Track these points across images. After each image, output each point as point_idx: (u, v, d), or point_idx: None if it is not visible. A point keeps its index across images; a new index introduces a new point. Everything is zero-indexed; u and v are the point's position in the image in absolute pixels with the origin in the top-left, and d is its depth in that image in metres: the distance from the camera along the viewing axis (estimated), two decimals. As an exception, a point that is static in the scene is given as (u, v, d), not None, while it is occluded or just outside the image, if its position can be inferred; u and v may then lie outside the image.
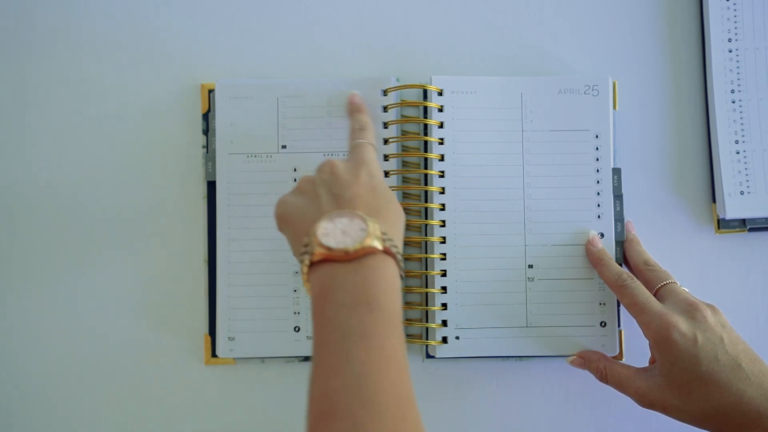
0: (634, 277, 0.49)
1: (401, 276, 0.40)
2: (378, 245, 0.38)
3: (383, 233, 0.39)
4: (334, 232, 0.38)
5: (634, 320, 0.48)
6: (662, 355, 0.45)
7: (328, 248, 0.38)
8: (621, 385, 0.48)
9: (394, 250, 0.39)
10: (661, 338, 0.45)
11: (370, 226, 0.38)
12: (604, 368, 0.49)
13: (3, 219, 0.56)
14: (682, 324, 0.45)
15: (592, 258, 0.52)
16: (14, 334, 0.55)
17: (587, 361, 0.51)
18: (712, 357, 0.44)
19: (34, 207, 0.56)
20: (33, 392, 0.55)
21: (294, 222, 0.42)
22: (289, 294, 0.53)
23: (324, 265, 0.38)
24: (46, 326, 0.55)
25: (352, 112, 0.51)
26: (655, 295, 0.48)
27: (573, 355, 0.52)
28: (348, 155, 0.46)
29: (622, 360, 0.53)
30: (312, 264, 0.39)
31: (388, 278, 0.38)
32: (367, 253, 0.38)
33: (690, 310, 0.46)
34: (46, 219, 0.56)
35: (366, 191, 0.42)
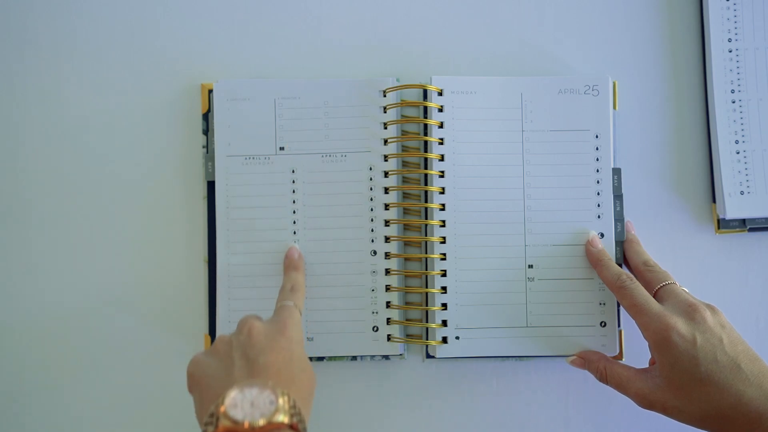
0: (634, 278, 0.49)
1: None
2: (285, 420, 0.37)
3: (292, 407, 0.38)
4: (243, 404, 0.37)
5: (634, 321, 0.48)
6: (661, 356, 0.45)
7: (234, 421, 0.37)
8: (621, 386, 0.48)
9: (300, 426, 0.38)
10: (660, 339, 0.45)
11: (279, 401, 0.38)
12: (604, 369, 0.49)
13: (3, 219, 0.56)
14: (681, 325, 0.45)
15: (592, 259, 0.52)
16: (13, 333, 0.55)
17: (587, 361, 0.51)
18: (711, 358, 0.44)
19: (34, 206, 0.56)
20: (33, 392, 0.55)
21: (203, 385, 0.41)
22: (289, 295, 0.53)
23: None
24: (46, 326, 0.55)
25: (287, 268, 0.51)
26: (654, 296, 0.48)
27: (573, 355, 0.52)
28: (272, 316, 0.46)
29: (622, 360, 0.53)
30: None
31: None
32: (274, 428, 0.37)
33: (689, 311, 0.46)
34: (46, 218, 0.56)
35: (281, 358, 0.41)
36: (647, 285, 0.49)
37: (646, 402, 0.46)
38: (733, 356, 0.44)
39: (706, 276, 0.55)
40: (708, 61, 0.55)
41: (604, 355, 0.51)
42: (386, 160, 0.53)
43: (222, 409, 0.37)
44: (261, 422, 0.37)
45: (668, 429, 0.54)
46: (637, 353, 0.54)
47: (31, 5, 0.57)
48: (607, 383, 0.49)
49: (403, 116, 0.55)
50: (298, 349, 0.43)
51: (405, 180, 0.55)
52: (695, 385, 0.44)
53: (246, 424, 0.37)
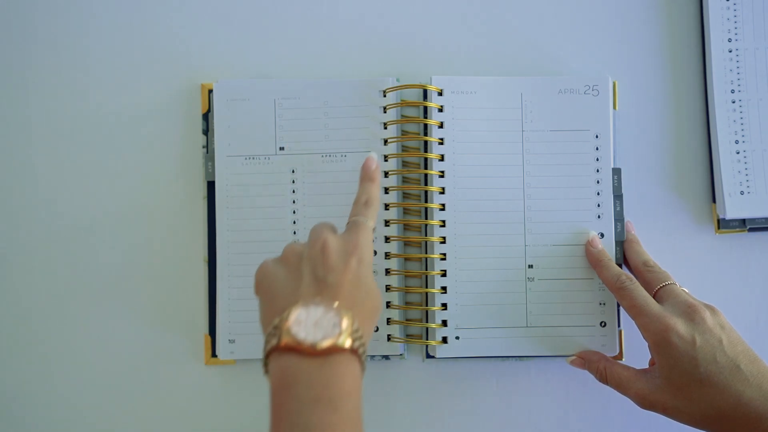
0: (633, 279, 0.49)
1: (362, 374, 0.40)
2: (347, 344, 0.37)
3: (354, 330, 0.38)
4: (306, 322, 0.37)
5: (633, 322, 0.48)
6: (661, 357, 0.45)
7: (297, 340, 0.37)
8: (621, 387, 0.48)
9: (360, 350, 0.38)
10: (659, 340, 0.45)
11: (343, 323, 0.38)
12: (604, 369, 0.49)
13: (3, 218, 0.56)
14: (680, 326, 0.45)
15: (592, 259, 0.52)
16: (14, 333, 0.55)
17: (587, 361, 0.51)
18: (711, 359, 0.44)
19: (34, 207, 0.56)
20: (33, 392, 0.55)
21: (270, 294, 0.41)
22: (289, 295, 0.53)
23: (288, 355, 0.37)
24: (46, 326, 0.55)
25: (362, 180, 0.48)
26: (654, 297, 0.48)
27: (573, 355, 0.52)
28: (345, 229, 0.44)
29: (622, 360, 0.53)
30: (274, 348, 0.38)
31: (352, 378, 0.38)
32: (335, 351, 0.37)
33: (689, 311, 0.46)
34: (46, 218, 0.56)
35: (350, 280, 0.40)
36: (647, 285, 0.49)
37: (647, 402, 0.46)
38: (733, 357, 0.44)
39: (706, 276, 0.55)
40: (708, 61, 0.55)
41: (604, 356, 0.51)
42: (386, 160, 0.53)
43: (286, 324, 0.37)
44: (324, 344, 0.37)
45: (668, 429, 0.54)
46: (637, 353, 0.54)
47: (33, 7, 0.57)
48: (607, 383, 0.49)
49: (403, 116, 0.55)
50: (366, 271, 0.42)
51: (405, 180, 0.55)
52: (695, 386, 0.44)
53: (308, 344, 0.37)
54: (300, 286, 0.40)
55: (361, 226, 0.44)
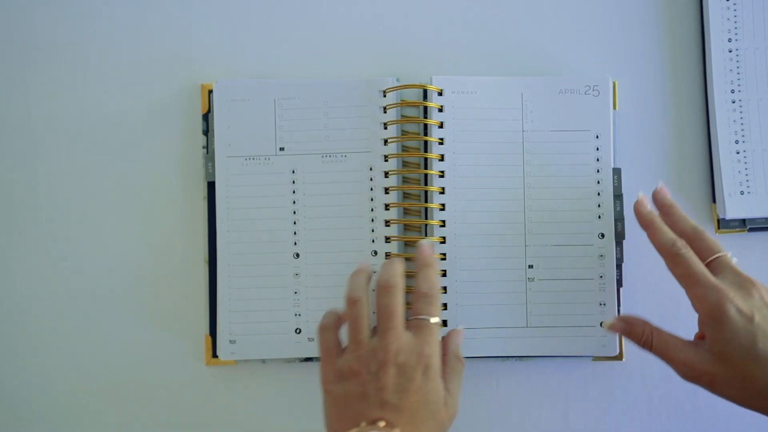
0: (688, 246, 0.46)
1: None
2: None
3: None
4: None
5: (685, 291, 0.45)
6: (716, 330, 0.43)
7: None
8: (667, 354, 0.45)
9: None
10: (716, 313, 0.43)
11: None
12: (651, 333, 0.46)
13: (4, 218, 0.56)
14: (739, 300, 0.43)
15: (642, 220, 0.48)
16: (14, 333, 0.55)
17: (629, 325, 0.47)
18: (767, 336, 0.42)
19: (35, 206, 0.56)
20: (34, 392, 0.55)
21: (336, 408, 0.43)
22: (289, 296, 0.53)
23: None
24: (46, 326, 0.55)
25: (421, 266, 0.47)
26: (707, 267, 0.46)
27: (613, 320, 0.49)
28: (411, 333, 0.44)
29: (622, 360, 0.54)
30: None
31: None
32: None
33: (747, 286, 0.44)
34: (47, 218, 0.56)
35: (415, 401, 0.41)
36: (698, 254, 0.46)
37: (694, 374, 0.44)
38: None
39: (706, 276, 0.55)
40: (708, 61, 0.55)
41: (649, 322, 0.47)
42: (386, 160, 0.53)
43: None
44: None
45: (669, 429, 0.54)
46: (637, 353, 0.54)
47: (33, 7, 0.57)
48: (650, 349, 0.46)
49: (403, 116, 0.55)
50: (432, 385, 0.42)
51: (405, 180, 0.55)
52: (749, 363, 0.42)
53: None
54: (365, 405, 0.41)
55: (426, 327, 0.44)
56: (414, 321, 0.44)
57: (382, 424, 0.40)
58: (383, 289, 0.45)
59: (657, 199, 0.49)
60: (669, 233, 0.47)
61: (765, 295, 0.44)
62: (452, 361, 0.46)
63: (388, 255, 0.53)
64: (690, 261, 0.45)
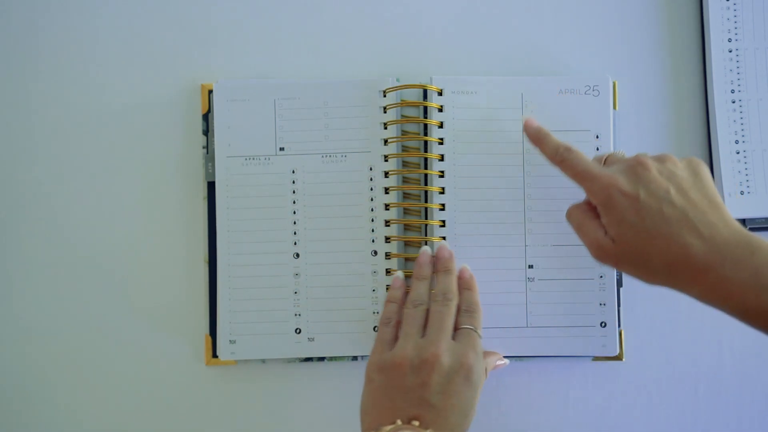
0: (573, 148, 0.47)
1: None
2: None
3: None
4: None
5: (582, 190, 0.46)
6: (608, 216, 0.43)
7: None
8: (581, 230, 0.46)
9: None
10: (604, 200, 0.43)
11: None
12: (571, 212, 0.47)
13: (3, 218, 0.56)
14: (622, 183, 0.43)
15: (533, 135, 0.49)
16: (15, 334, 0.55)
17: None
18: (657, 211, 0.41)
19: (35, 207, 0.56)
20: (34, 392, 0.55)
21: (375, 396, 0.44)
22: (289, 296, 0.53)
23: None
24: (47, 326, 0.55)
25: (463, 287, 0.50)
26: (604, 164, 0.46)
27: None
28: (456, 343, 0.46)
29: (622, 360, 0.54)
30: None
31: None
32: None
33: (633, 166, 0.43)
34: (47, 218, 0.56)
35: (451, 404, 0.42)
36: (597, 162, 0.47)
37: (600, 254, 0.44)
38: (682, 206, 0.41)
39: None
40: (708, 61, 0.55)
41: (574, 161, 0.46)
42: (386, 160, 0.53)
43: None
44: None
45: (668, 428, 0.54)
46: (637, 353, 0.54)
47: (34, 8, 0.57)
48: (568, 220, 0.47)
49: (403, 116, 0.55)
50: (470, 392, 0.44)
51: (405, 180, 0.55)
52: (643, 240, 0.41)
53: None
54: (403, 400, 0.42)
55: (471, 336, 0.46)
56: (460, 330, 0.47)
57: (416, 423, 0.41)
58: (439, 299, 0.48)
59: (530, 127, 0.50)
60: (554, 142, 0.48)
61: (653, 170, 0.43)
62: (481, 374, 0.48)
63: (388, 255, 0.53)
64: (575, 160, 0.45)
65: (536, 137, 0.49)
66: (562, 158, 0.46)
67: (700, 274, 0.40)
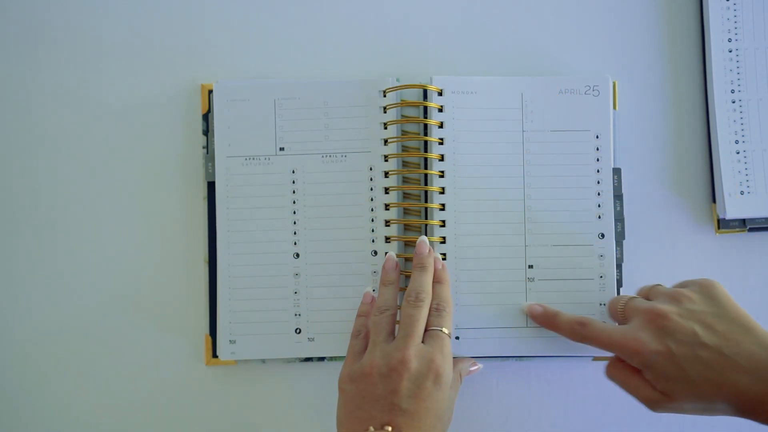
0: (586, 319, 0.47)
1: None
2: None
3: None
4: None
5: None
6: (652, 376, 0.43)
7: None
8: (628, 389, 0.45)
9: None
10: (640, 363, 0.43)
11: None
12: (612, 370, 0.46)
13: (3, 218, 0.56)
14: (649, 342, 0.43)
15: (542, 321, 0.51)
16: (14, 333, 0.55)
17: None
18: (694, 359, 0.41)
19: (35, 206, 0.56)
20: (34, 392, 0.55)
21: (347, 407, 0.44)
22: (289, 296, 0.53)
23: None
24: (47, 326, 0.55)
25: (434, 282, 0.49)
26: (624, 321, 0.47)
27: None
28: (426, 345, 0.45)
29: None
30: None
31: None
32: None
33: (653, 319, 0.43)
34: (47, 218, 0.56)
35: (424, 408, 0.42)
36: (613, 314, 0.49)
37: (659, 408, 0.44)
38: (715, 345, 0.41)
39: (705, 276, 0.55)
40: (708, 61, 0.55)
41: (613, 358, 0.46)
42: (386, 161, 0.53)
43: None
44: None
45: (668, 429, 0.54)
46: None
47: (34, 8, 0.57)
48: (610, 378, 0.47)
49: (403, 116, 0.55)
50: (440, 394, 0.44)
51: (405, 180, 0.55)
52: (692, 389, 0.41)
53: None
54: (374, 408, 0.42)
55: (438, 338, 0.46)
56: (429, 332, 0.46)
57: (389, 429, 0.41)
58: (411, 300, 0.47)
59: (536, 314, 0.51)
60: (567, 320, 0.49)
61: (674, 318, 0.43)
62: (455, 378, 0.48)
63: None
64: (594, 331, 0.46)
65: (547, 322, 0.50)
66: (581, 335, 0.47)
67: (760, 406, 0.40)
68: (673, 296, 0.44)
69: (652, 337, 0.43)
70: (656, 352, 0.42)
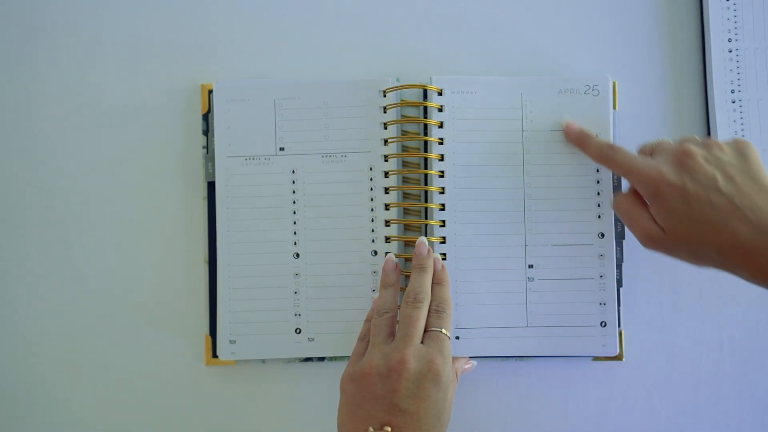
0: (615, 145, 0.48)
1: None
2: None
3: None
4: None
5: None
6: (657, 206, 0.44)
7: None
8: (629, 219, 0.47)
9: None
10: (651, 193, 0.44)
11: None
12: (620, 202, 0.47)
13: (4, 219, 0.56)
14: (669, 174, 0.44)
15: (575, 138, 0.52)
16: (15, 333, 0.55)
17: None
18: (705, 200, 0.42)
19: (35, 207, 0.56)
20: (34, 392, 0.55)
21: (348, 408, 0.44)
22: (290, 296, 0.53)
23: None
24: (47, 326, 0.55)
25: (434, 282, 0.49)
26: (651, 155, 0.47)
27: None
28: (425, 345, 0.45)
29: (622, 360, 0.54)
30: None
31: None
32: None
33: (679, 156, 0.44)
34: (47, 218, 0.56)
35: (423, 408, 0.43)
36: (643, 151, 0.49)
37: (651, 243, 0.45)
38: (729, 193, 0.42)
39: (705, 276, 0.55)
40: (708, 61, 0.55)
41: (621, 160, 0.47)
42: (386, 160, 0.53)
43: None
44: None
45: (668, 428, 0.54)
46: (637, 353, 0.54)
47: (34, 8, 0.57)
48: (615, 209, 0.48)
49: (403, 116, 0.55)
50: (441, 394, 0.44)
51: (405, 180, 0.55)
52: (692, 228, 0.43)
53: None
54: (374, 408, 0.43)
55: (437, 338, 0.46)
56: (428, 333, 0.46)
57: (388, 429, 0.41)
58: (409, 302, 0.47)
59: (572, 130, 0.52)
60: (597, 141, 0.50)
61: (700, 158, 0.44)
62: (452, 377, 0.48)
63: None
64: (621, 157, 0.47)
65: (579, 140, 0.51)
66: (607, 157, 0.48)
67: (749, 258, 0.41)
68: (706, 142, 0.45)
69: (672, 171, 0.44)
70: (671, 184, 0.43)
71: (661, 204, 0.44)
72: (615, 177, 0.54)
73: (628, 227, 0.47)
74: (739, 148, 0.44)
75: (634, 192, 0.47)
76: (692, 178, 0.43)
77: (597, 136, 0.51)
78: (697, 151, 0.44)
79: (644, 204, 0.46)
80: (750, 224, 0.41)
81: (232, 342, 0.53)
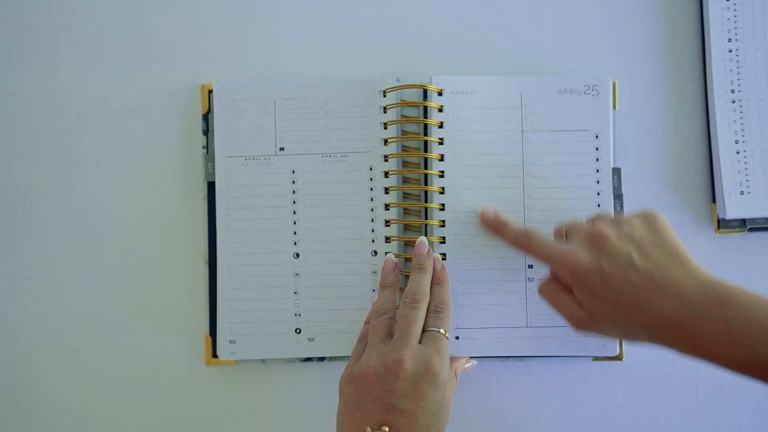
0: (530, 231, 0.47)
1: None
2: None
3: None
4: None
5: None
6: (580, 292, 0.43)
7: None
8: (557, 306, 0.46)
9: None
10: (571, 279, 0.43)
11: None
12: (544, 284, 0.47)
13: (3, 219, 0.56)
14: (583, 258, 0.43)
15: (491, 226, 0.51)
16: (15, 334, 0.55)
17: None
18: (624, 279, 0.41)
19: (35, 207, 0.56)
20: (34, 392, 0.55)
21: (346, 408, 0.44)
22: (290, 296, 0.53)
23: None
24: (47, 326, 0.55)
25: (434, 282, 0.49)
26: (567, 241, 0.47)
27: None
28: (422, 345, 0.45)
29: (622, 360, 0.54)
30: None
31: None
32: None
33: (592, 238, 0.43)
34: (47, 219, 0.56)
35: (420, 407, 0.42)
36: (558, 235, 0.48)
37: (581, 327, 0.44)
38: (647, 270, 0.41)
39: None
40: (708, 61, 0.55)
41: (541, 241, 0.46)
42: (386, 160, 0.53)
43: None
44: None
45: (668, 428, 0.54)
46: (637, 352, 0.54)
47: (34, 8, 0.57)
48: (541, 296, 0.47)
49: (403, 116, 0.55)
50: (438, 394, 0.44)
51: (405, 180, 0.55)
52: (616, 310, 0.42)
53: None
54: (372, 408, 0.43)
55: (436, 338, 0.46)
56: (426, 333, 0.46)
57: (386, 429, 0.41)
58: (408, 302, 0.47)
59: (487, 219, 0.51)
60: (513, 229, 0.49)
61: (612, 238, 0.43)
62: (450, 377, 0.48)
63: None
64: (537, 243, 0.46)
65: (495, 227, 0.50)
66: (523, 244, 0.47)
67: (677, 333, 0.40)
68: (616, 221, 0.45)
69: (587, 254, 0.43)
70: (589, 269, 0.42)
71: (582, 288, 0.43)
72: (614, 178, 0.54)
73: (556, 313, 0.46)
74: (649, 221, 0.44)
75: (556, 277, 0.46)
76: (608, 259, 0.42)
77: (511, 224, 0.50)
78: (610, 231, 0.43)
79: (569, 290, 0.45)
80: (671, 299, 0.40)
81: (232, 342, 0.53)
